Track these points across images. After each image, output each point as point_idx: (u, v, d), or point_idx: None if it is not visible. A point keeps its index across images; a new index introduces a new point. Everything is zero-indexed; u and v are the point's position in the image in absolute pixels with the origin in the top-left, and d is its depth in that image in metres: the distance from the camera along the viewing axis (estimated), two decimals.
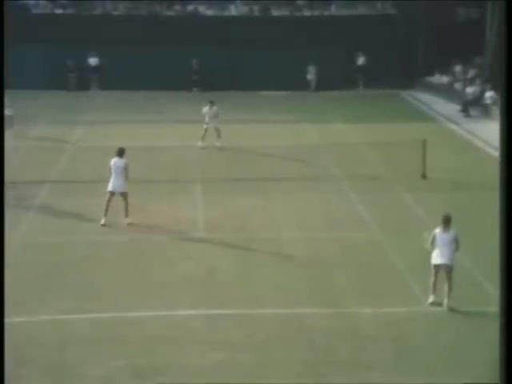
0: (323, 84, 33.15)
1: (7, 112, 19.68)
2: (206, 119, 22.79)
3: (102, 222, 15.69)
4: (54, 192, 18.21)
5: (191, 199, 17.69)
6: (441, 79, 33.64)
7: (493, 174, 20.16)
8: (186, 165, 21.00)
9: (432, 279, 11.80)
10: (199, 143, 22.54)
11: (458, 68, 33.18)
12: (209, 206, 17.08)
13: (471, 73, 32.10)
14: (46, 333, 11.00)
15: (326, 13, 35.52)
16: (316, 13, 35.43)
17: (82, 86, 32.91)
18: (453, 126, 26.85)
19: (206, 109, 23.05)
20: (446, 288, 11.69)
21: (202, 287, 12.67)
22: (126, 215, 15.78)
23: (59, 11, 35.37)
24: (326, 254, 14.15)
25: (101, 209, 16.42)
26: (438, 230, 11.89)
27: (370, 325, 11.27)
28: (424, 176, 19.34)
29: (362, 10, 35.61)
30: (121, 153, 15.84)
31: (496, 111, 27.74)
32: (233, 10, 36.01)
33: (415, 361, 10.19)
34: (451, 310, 11.60)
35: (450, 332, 11.07)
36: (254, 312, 11.67)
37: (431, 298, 11.80)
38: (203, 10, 35.88)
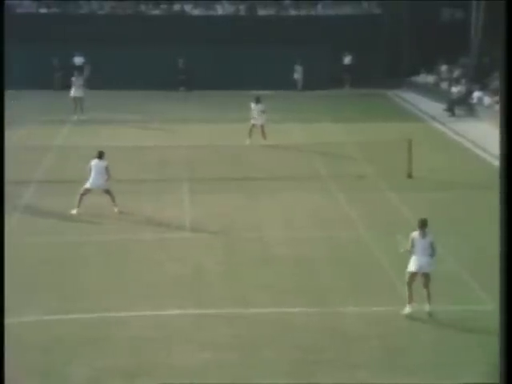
0: (310, 83, 33.18)
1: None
2: (254, 115, 22.77)
3: (74, 211, 16.05)
4: (40, 192, 18.12)
5: (178, 199, 17.65)
6: (426, 79, 33.79)
7: (478, 173, 20.39)
8: (172, 164, 20.96)
9: (408, 288, 11.30)
10: (247, 141, 22.53)
11: (443, 67, 33.34)
12: (195, 206, 17.05)
13: (456, 72, 32.27)
14: (32, 334, 10.94)
15: (312, 12, 35.56)
16: (302, 12, 35.47)
17: (68, 85, 32.73)
18: (438, 126, 26.97)
19: (253, 105, 23.03)
20: (425, 295, 11.31)
21: (188, 287, 12.64)
22: (115, 204, 16.13)
23: (44, 10, 35.18)
24: (312, 254, 14.16)
25: (87, 209, 16.39)
26: (415, 235, 11.38)
27: (356, 324, 11.29)
28: (410, 175, 19.40)
29: (347, 9, 35.69)
30: (101, 155, 16.37)
31: (482, 111, 27.91)
32: (219, 10, 35.98)
33: (401, 360, 10.22)
34: (431, 314, 11.29)
35: (435, 331, 11.10)
36: (241, 311, 11.66)
37: (408, 309, 11.31)
38: (189, 9, 35.82)
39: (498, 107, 26.49)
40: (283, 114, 28.01)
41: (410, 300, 11.30)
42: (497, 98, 27.21)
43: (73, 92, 27.70)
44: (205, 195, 17.84)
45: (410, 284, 11.35)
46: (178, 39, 33.19)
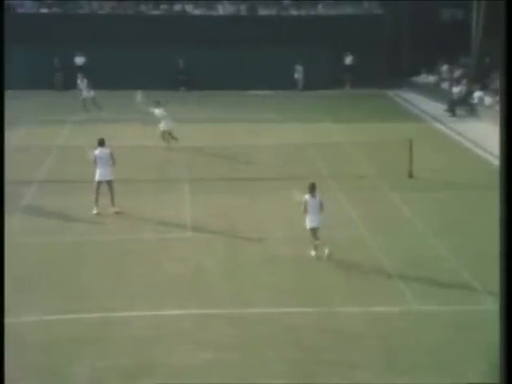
0: (310, 83, 33.20)
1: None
2: (161, 119, 22.35)
3: (95, 211, 16.04)
4: (41, 192, 18.13)
5: (178, 199, 17.66)
6: (427, 79, 33.79)
7: (479, 173, 20.38)
8: (173, 164, 20.97)
9: (313, 241, 13.55)
10: (165, 144, 22.07)
11: (444, 68, 33.33)
12: (196, 206, 17.05)
13: (457, 72, 32.27)
14: (33, 333, 10.95)
15: (312, 12, 35.58)
16: (303, 12, 35.49)
17: (69, 85, 32.78)
18: (439, 126, 26.97)
19: (154, 110, 22.55)
20: (319, 244, 13.50)
21: (189, 287, 12.65)
22: (113, 204, 16.13)
23: (45, 10, 35.20)
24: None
25: (88, 209, 16.38)
26: (307, 197, 13.47)
27: (356, 324, 11.30)
28: (411, 175, 19.40)
29: (348, 9, 35.70)
30: (102, 143, 16.32)
31: (483, 111, 27.89)
32: (220, 10, 35.99)
33: (401, 360, 10.22)
34: (330, 257, 13.34)
35: (435, 331, 11.11)
36: (242, 312, 11.67)
37: (313, 252, 13.61)
38: (190, 9, 35.84)
39: (498, 107, 26.49)
40: (284, 114, 28.03)
41: (314, 247, 13.63)
42: (498, 98, 27.20)
43: (84, 93, 28.18)
44: (206, 195, 17.84)
45: (313, 237, 13.60)
46: (179, 39, 33.22)
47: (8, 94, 28.74)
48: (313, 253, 13.66)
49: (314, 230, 13.53)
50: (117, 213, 16.09)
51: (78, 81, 28.59)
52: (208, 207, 16.93)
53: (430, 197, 17.83)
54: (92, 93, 28.25)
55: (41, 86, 31.84)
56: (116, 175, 16.77)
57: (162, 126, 22.31)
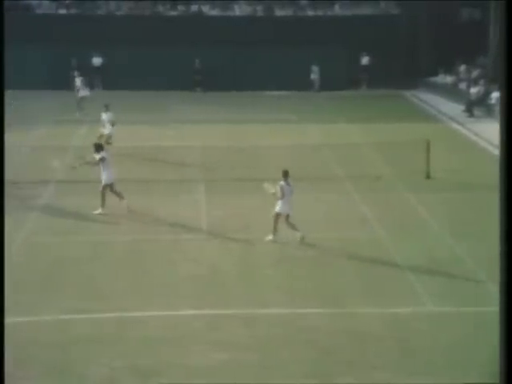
0: (326, 84, 33.13)
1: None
2: (104, 124, 22.06)
3: (100, 211, 16.12)
4: (58, 192, 18.22)
5: (194, 199, 17.68)
6: (445, 79, 33.60)
7: (496, 174, 20.21)
8: (189, 165, 21.00)
9: (275, 224, 14.20)
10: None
11: (461, 68, 33.13)
12: (211, 207, 17.07)
13: (475, 73, 32.06)
14: (49, 333, 11.00)
15: (329, 13, 35.52)
16: (319, 13, 35.43)
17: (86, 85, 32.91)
18: (457, 126, 26.82)
19: (103, 114, 22.24)
20: (294, 228, 14.20)
21: (204, 287, 12.66)
22: (123, 198, 16.23)
23: (63, 11, 35.42)
24: (328, 254, 14.13)
25: (105, 208, 16.44)
26: (283, 183, 14.07)
27: (373, 325, 11.25)
28: (428, 176, 19.31)
29: (365, 9, 35.59)
30: (101, 147, 16.61)
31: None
32: (236, 10, 36.02)
33: (418, 361, 10.17)
34: (303, 238, 14.13)
35: (453, 332, 11.04)
36: (257, 312, 11.66)
37: (271, 237, 14.25)
38: (207, 10, 35.91)
39: None
40: (300, 114, 27.99)
41: (275, 231, 14.28)
42: None
43: (81, 92, 28.19)
44: (221, 196, 17.85)
45: (276, 221, 14.27)
46: (195, 40, 33.29)
47: (25, 94, 29.01)
48: (270, 237, 14.21)
49: (285, 216, 14.13)
50: (129, 209, 16.09)
51: (76, 79, 28.60)
52: (223, 208, 16.94)
53: (446, 197, 17.74)
54: (87, 92, 28.18)
55: (58, 86, 31.99)
56: (130, 175, 16.82)
57: (107, 130, 21.94)
